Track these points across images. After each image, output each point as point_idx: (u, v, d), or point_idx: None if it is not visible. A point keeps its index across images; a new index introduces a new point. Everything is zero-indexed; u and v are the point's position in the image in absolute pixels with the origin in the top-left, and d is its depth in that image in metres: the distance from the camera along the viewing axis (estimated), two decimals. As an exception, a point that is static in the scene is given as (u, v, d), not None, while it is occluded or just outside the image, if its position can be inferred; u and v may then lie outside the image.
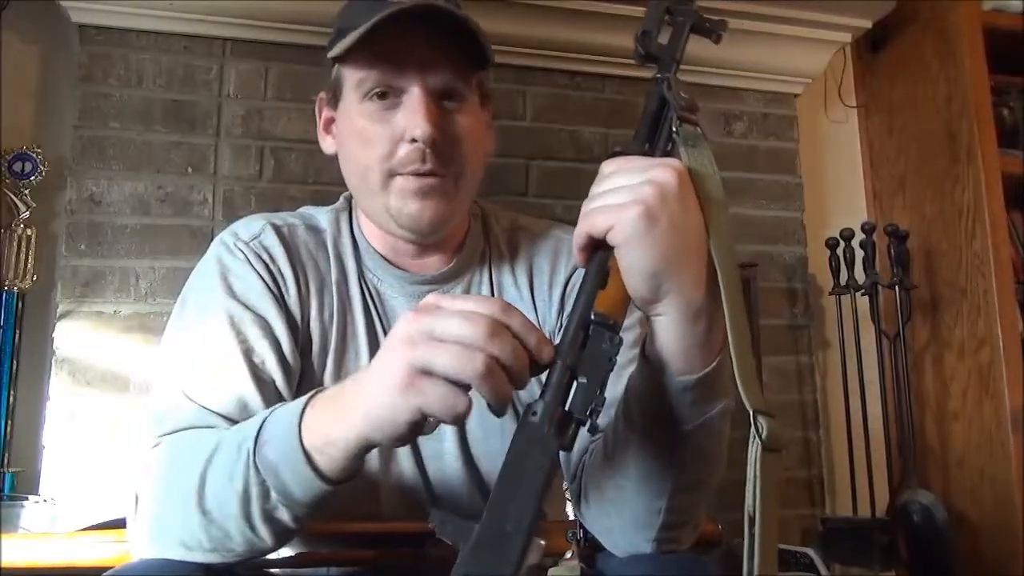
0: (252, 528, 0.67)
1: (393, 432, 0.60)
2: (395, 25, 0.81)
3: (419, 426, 0.59)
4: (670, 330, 0.65)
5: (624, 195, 0.62)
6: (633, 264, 0.62)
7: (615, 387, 0.65)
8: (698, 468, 0.72)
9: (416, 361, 0.57)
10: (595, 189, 0.65)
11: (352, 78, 0.88)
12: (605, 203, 0.62)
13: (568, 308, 0.95)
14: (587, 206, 0.64)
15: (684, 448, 0.69)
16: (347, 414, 0.62)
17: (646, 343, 0.68)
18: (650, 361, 0.67)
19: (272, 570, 0.85)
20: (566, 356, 0.58)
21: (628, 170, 0.64)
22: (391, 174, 0.86)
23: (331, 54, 0.85)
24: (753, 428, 0.58)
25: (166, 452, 0.76)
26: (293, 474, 0.64)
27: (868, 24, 2.25)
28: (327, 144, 0.96)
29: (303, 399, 0.67)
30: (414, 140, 0.84)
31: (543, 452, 0.55)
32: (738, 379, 0.60)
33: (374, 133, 0.86)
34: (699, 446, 0.70)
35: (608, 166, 0.66)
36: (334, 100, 0.92)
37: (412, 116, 0.83)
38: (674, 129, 0.66)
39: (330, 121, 0.94)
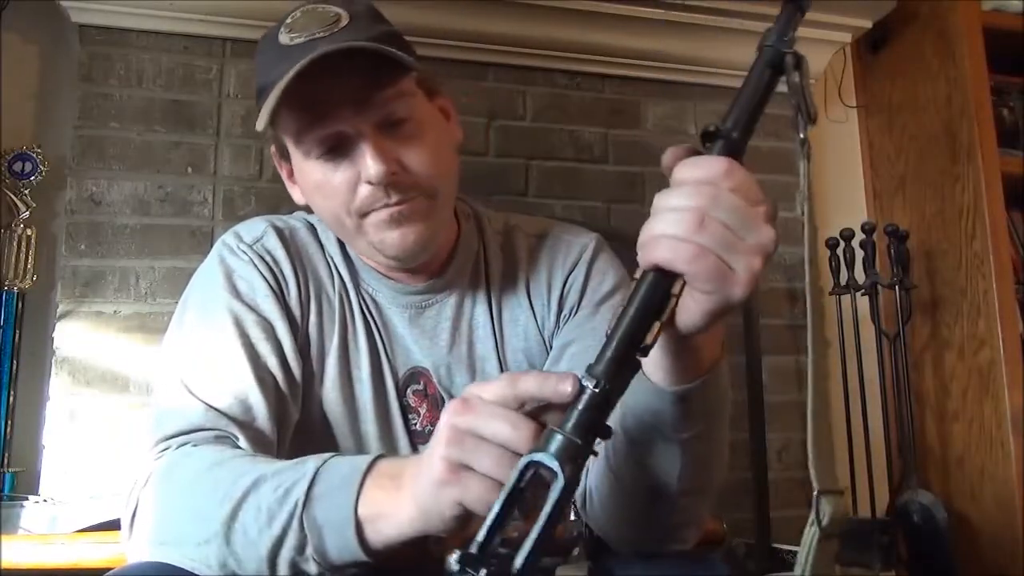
0: (272, 570, 0.67)
1: (440, 523, 0.59)
2: (305, 77, 0.76)
3: (465, 521, 0.58)
4: (682, 347, 0.63)
5: (738, 254, 0.54)
6: (711, 314, 0.56)
7: None
8: (699, 474, 0.71)
9: (457, 458, 0.56)
10: (696, 200, 0.53)
11: (289, 141, 0.86)
12: (710, 244, 0.53)
13: (565, 310, 0.94)
14: (688, 225, 0.53)
15: (684, 456, 0.69)
16: (400, 494, 0.62)
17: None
18: (645, 374, 0.66)
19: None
20: (606, 380, 0.53)
21: (741, 209, 0.54)
22: (361, 215, 0.84)
23: (258, 126, 0.81)
24: (814, 512, 0.54)
25: (185, 465, 0.74)
26: (338, 539, 0.64)
27: (868, 24, 2.25)
28: (296, 195, 0.94)
29: (364, 463, 0.65)
30: (370, 183, 0.81)
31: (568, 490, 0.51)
32: (810, 450, 0.55)
33: (332, 185, 0.84)
34: (698, 454, 0.70)
35: (710, 166, 0.55)
36: (285, 155, 0.91)
37: (361, 160, 0.81)
38: (803, 135, 0.58)
39: (292, 172, 0.92)
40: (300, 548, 0.65)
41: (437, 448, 0.57)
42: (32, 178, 1.76)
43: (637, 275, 0.55)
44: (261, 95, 0.81)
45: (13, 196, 1.75)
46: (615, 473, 0.74)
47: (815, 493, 0.54)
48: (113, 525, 1.04)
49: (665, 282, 0.54)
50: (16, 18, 1.82)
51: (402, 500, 0.61)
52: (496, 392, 0.57)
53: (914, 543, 1.96)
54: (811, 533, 0.53)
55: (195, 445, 0.76)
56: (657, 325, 0.54)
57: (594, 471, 0.79)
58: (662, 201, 0.55)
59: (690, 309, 0.56)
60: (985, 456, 2.01)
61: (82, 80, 1.80)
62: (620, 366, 0.53)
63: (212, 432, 0.77)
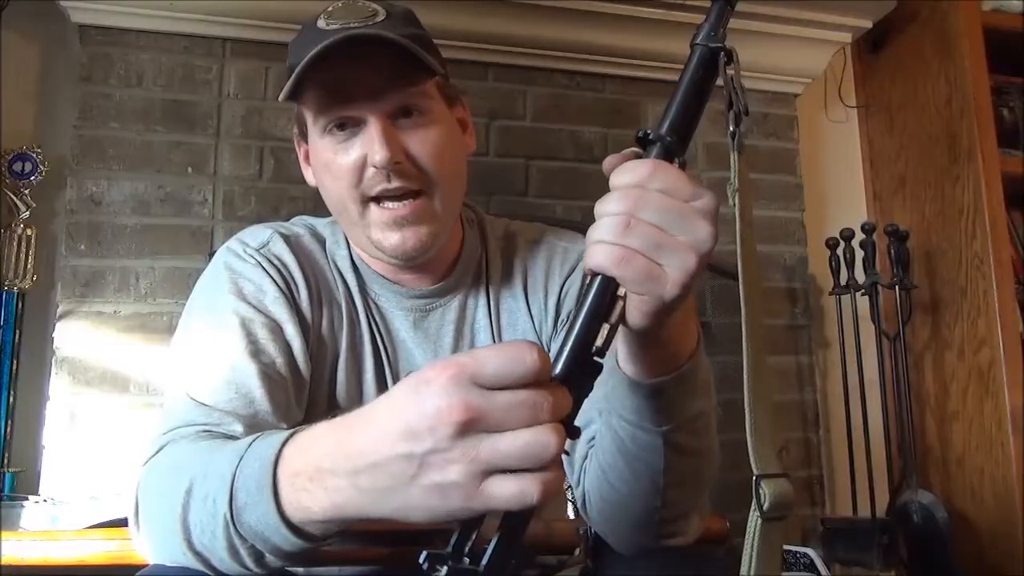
0: (249, 570, 0.65)
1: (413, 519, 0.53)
2: (337, 56, 0.80)
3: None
4: (645, 343, 0.63)
5: (668, 253, 0.54)
6: (649, 315, 0.57)
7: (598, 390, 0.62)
8: (686, 465, 0.72)
9: (479, 468, 0.49)
10: (624, 204, 0.55)
11: (309, 117, 0.88)
12: (638, 246, 0.54)
13: (562, 314, 0.94)
14: (616, 229, 0.54)
15: (666, 449, 0.69)
16: (323, 490, 0.56)
17: (618, 351, 0.67)
18: (622, 369, 0.66)
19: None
20: (562, 383, 0.53)
21: (669, 208, 0.54)
22: (364, 201, 0.86)
23: (280, 97, 0.85)
24: (754, 497, 0.54)
25: (156, 469, 0.74)
26: (281, 539, 0.61)
27: (868, 24, 2.25)
28: (309, 176, 0.95)
29: (270, 457, 0.61)
30: (375, 167, 0.84)
31: None
32: (748, 434, 0.55)
33: (339, 164, 0.86)
34: (682, 445, 0.70)
35: (637, 170, 0.56)
36: (303, 134, 0.93)
37: (370, 144, 0.83)
38: (734, 128, 0.59)
39: (308, 153, 0.94)
40: (255, 554, 0.63)
41: (446, 457, 0.49)
42: (32, 178, 1.77)
43: (587, 281, 0.56)
44: (290, 71, 0.84)
45: (13, 196, 1.75)
46: (605, 471, 0.75)
47: (754, 477, 0.53)
48: (113, 525, 1.04)
49: (609, 286, 0.55)
50: (16, 18, 1.82)
51: (329, 495, 0.56)
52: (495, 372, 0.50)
53: (914, 543, 1.96)
54: (753, 518, 0.53)
55: (174, 442, 0.75)
56: (606, 327, 0.55)
57: (590, 472, 0.79)
58: (599, 208, 0.56)
59: (631, 310, 0.57)
60: (985, 456, 2.01)
61: (82, 80, 1.80)
62: (575, 369, 0.53)
63: (195, 427, 0.76)
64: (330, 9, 0.86)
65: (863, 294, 2.09)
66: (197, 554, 0.66)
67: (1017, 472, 1.91)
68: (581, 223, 1.93)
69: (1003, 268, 2.01)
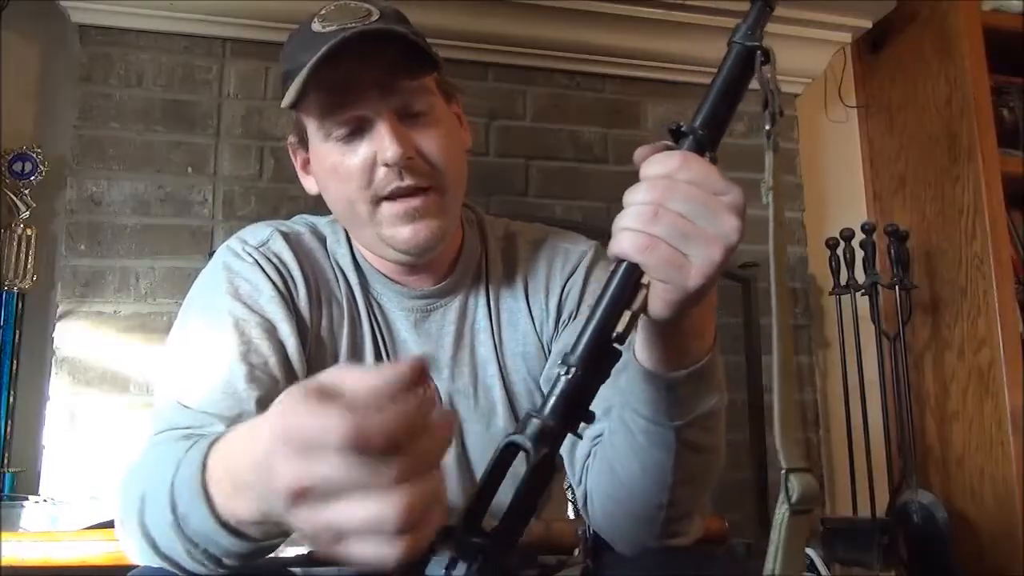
0: (212, 569, 0.65)
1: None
2: (336, 59, 0.79)
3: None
4: (665, 335, 0.64)
5: (694, 243, 0.55)
6: (672, 304, 0.57)
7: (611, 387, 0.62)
8: (695, 462, 0.72)
9: (324, 535, 0.43)
10: (652, 194, 0.56)
11: (312, 123, 0.87)
12: (663, 234, 0.55)
13: (564, 315, 0.95)
14: (642, 218, 0.55)
15: (678, 444, 0.70)
16: (245, 500, 0.53)
17: (636, 343, 0.67)
18: (639, 361, 0.67)
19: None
20: (579, 367, 0.54)
21: (697, 199, 0.56)
22: (376, 200, 0.85)
23: (283, 104, 0.84)
24: (783, 490, 0.54)
25: (129, 474, 0.73)
26: (225, 542, 0.60)
27: (868, 24, 2.25)
28: (309, 185, 0.95)
29: (197, 464, 0.59)
30: (387, 165, 0.83)
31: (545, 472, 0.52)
32: (777, 430, 0.55)
33: (348, 167, 0.85)
34: (693, 441, 0.70)
35: (667, 161, 0.56)
36: (303, 142, 0.92)
37: (379, 142, 0.83)
38: (769, 127, 0.58)
39: (307, 162, 0.93)
40: (210, 556, 0.63)
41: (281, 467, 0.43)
42: (32, 178, 1.77)
43: (610, 268, 0.57)
44: (288, 77, 0.84)
45: (13, 196, 1.75)
46: (613, 467, 0.75)
47: (783, 471, 0.54)
48: (113, 525, 1.04)
49: (633, 273, 0.56)
50: (16, 18, 1.83)
51: (251, 503, 0.52)
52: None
53: (914, 543, 1.96)
54: (782, 511, 0.53)
55: (150, 447, 0.75)
56: (628, 314, 0.56)
57: (593, 471, 0.79)
58: (627, 197, 0.57)
59: (653, 299, 0.57)
60: (985, 456, 2.01)
61: (82, 80, 1.80)
62: (594, 353, 0.54)
63: (179, 431, 0.76)
64: (323, 12, 0.85)
65: (863, 294, 2.09)
66: (166, 557, 0.66)
67: (1017, 472, 1.91)
68: (581, 223, 1.93)
69: (1003, 268, 2.01)
